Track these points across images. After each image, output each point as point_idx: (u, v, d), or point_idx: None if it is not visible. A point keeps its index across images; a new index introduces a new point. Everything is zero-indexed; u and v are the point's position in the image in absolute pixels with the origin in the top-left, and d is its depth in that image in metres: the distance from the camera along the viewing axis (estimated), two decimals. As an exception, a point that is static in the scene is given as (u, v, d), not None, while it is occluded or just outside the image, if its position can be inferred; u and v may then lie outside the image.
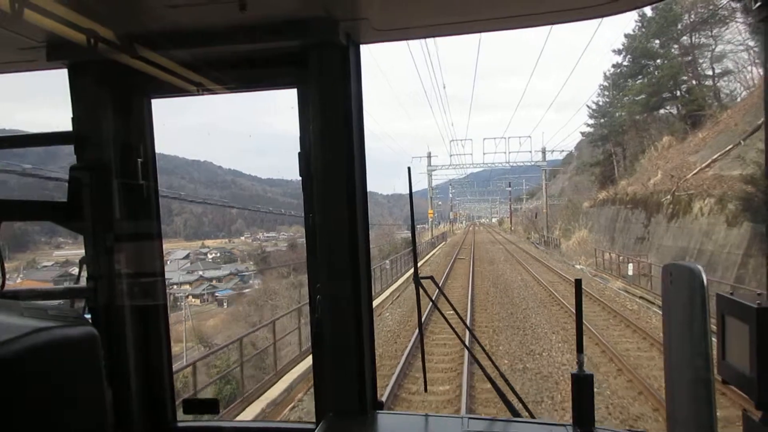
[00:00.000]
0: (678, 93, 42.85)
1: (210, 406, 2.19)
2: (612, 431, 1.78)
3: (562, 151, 57.96)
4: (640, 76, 47.35)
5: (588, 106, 58.00)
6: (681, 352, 1.43)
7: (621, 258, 30.21)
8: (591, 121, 57.32)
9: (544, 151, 57.41)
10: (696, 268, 1.36)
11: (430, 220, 60.45)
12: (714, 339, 1.35)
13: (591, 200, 52.45)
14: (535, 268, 31.72)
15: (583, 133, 57.87)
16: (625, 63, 48.53)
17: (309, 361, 12.47)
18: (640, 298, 20.61)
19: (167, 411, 2.15)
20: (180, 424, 2.16)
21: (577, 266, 34.13)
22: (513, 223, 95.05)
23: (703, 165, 27.41)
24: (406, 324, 16.47)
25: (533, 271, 29.34)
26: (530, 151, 55.28)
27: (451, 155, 56.19)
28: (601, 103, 57.08)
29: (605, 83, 56.45)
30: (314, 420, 1.99)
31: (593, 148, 59.26)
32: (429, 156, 58.30)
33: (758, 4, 1.18)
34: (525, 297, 21.17)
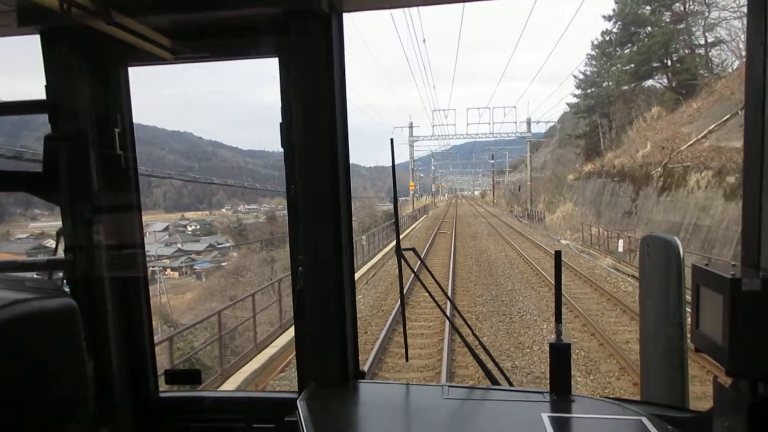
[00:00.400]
0: (669, 62, 41.10)
1: (192, 377, 2.16)
2: (588, 398, 1.74)
3: (548, 122, 55.91)
4: (629, 44, 45.48)
5: (575, 76, 56.15)
6: (656, 321, 1.49)
7: (609, 233, 28.83)
8: (578, 92, 55.52)
9: (529, 122, 55.29)
10: (673, 240, 1.42)
11: (411, 192, 58.48)
12: (689, 309, 1.39)
13: (576, 173, 51.06)
14: (519, 243, 30.20)
15: (569, 104, 56.03)
16: (614, 30, 46.51)
17: (261, 360, 10.80)
18: (632, 276, 19.15)
19: (149, 382, 2.12)
20: (162, 395, 2.14)
21: (563, 241, 32.73)
22: (495, 196, 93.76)
23: (699, 136, 25.86)
24: (379, 309, 14.75)
25: (518, 247, 27.81)
26: (515, 122, 53.12)
27: (433, 125, 53.93)
28: (588, 73, 55.22)
29: (593, 52, 54.60)
30: (297, 390, 1.98)
31: (578, 120, 57.65)
32: (411, 126, 55.84)
33: None
34: (510, 277, 19.58)
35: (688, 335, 1.37)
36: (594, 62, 54.61)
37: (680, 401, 1.48)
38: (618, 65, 45.95)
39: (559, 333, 1.73)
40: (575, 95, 55.90)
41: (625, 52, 45.04)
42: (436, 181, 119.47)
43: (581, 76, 56.24)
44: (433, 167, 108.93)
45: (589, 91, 55.40)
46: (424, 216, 61.59)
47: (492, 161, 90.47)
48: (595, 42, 53.73)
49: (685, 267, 1.41)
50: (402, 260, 1.92)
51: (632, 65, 43.43)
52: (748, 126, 1.33)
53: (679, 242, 1.40)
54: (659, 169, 27.52)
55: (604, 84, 53.53)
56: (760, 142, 1.28)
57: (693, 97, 34.00)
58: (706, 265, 1.31)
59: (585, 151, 53.02)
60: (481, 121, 52.66)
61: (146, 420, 2.10)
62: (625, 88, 45.76)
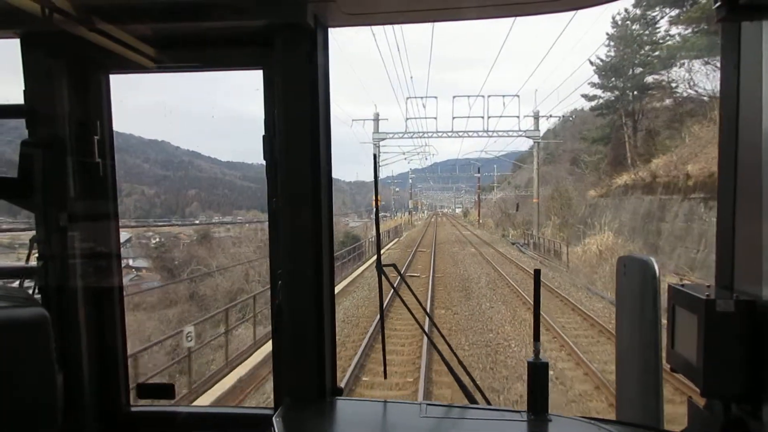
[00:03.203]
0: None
1: (165, 391, 2.09)
2: (565, 418, 1.67)
3: (562, 116, 40.59)
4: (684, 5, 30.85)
5: (591, 62, 41.32)
6: (632, 341, 1.45)
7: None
8: (596, 79, 40.62)
9: (537, 117, 39.75)
10: (649, 261, 1.38)
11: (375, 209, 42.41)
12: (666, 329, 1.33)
13: (601, 188, 35.94)
14: (558, 313, 14.57)
15: (585, 95, 40.99)
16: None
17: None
18: None
19: (121, 395, 2.02)
20: (134, 409, 2.04)
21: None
22: (481, 215, 78.38)
23: None
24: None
25: (564, 332, 12.14)
26: (518, 116, 37.72)
27: (407, 119, 37.95)
28: (611, 59, 40.60)
29: (614, 31, 40.12)
30: (273, 405, 1.91)
31: (596, 118, 42.87)
32: (377, 119, 38.72)
33: (717, 4, 1.16)
34: None
35: (664, 355, 1.36)
36: (615, 43, 40.27)
37: (655, 421, 1.45)
38: (675, 32, 31.14)
39: (537, 352, 1.63)
40: (594, 84, 41.01)
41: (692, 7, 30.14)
42: (414, 197, 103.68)
43: (599, 62, 41.68)
44: (410, 180, 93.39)
45: (611, 82, 40.90)
46: (395, 240, 45.75)
47: (478, 174, 75.26)
48: (618, 18, 39.50)
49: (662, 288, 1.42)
50: (382, 276, 1.86)
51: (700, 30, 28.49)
52: (721, 150, 1.31)
53: (655, 262, 1.37)
54: None
55: (630, 72, 39.19)
56: (733, 165, 1.26)
57: None
58: (682, 285, 1.29)
59: (610, 159, 38.04)
60: (471, 114, 37.06)
61: None
62: (685, 63, 30.82)
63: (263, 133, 1.80)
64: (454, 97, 35.23)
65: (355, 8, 1.72)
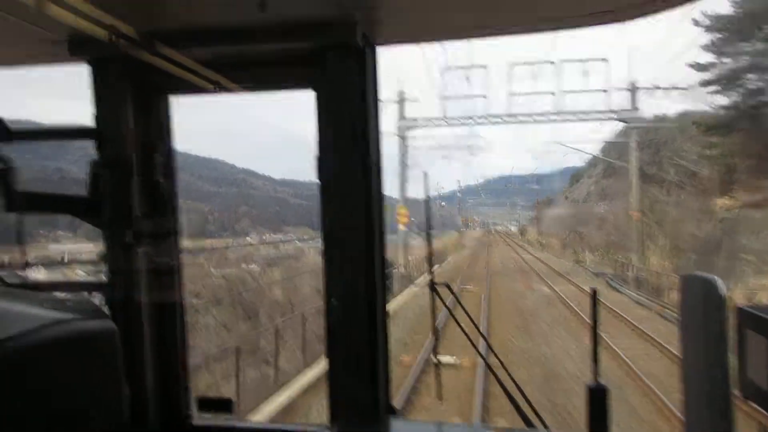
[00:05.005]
0: None
1: (224, 405, 2.03)
2: None
3: (674, 87, 26.78)
4: None
5: (696, 22, 28.18)
6: (698, 365, 1.35)
7: None
8: (708, 39, 27.38)
9: (633, 90, 25.07)
10: (715, 280, 1.28)
11: (402, 230, 27.00)
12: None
13: (744, 194, 22.73)
14: None
15: (692, 65, 27.63)
16: None
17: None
18: None
19: (182, 408, 2.00)
20: (195, 422, 2.01)
21: None
22: (542, 234, 64.59)
23: None
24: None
25: None
26: (605, 90, 24.69)
27: (443, 98, 24.72)
28: (732, 14, 27.44)
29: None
30: (327, 423, 1.89)
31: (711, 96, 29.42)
32: (401, 100, 25.22)
33: None
34: None
35: (735, 381, 1.25)
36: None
37: None
38: None
39: (596, 375, 1.56)
40: (707, 47, 27.72)
41: None
42: (463, 213, 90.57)
43: (707, 22, 28.52)
44: (458, 195, 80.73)
45: (732, 45, 27.66)
46: (436, 266, 33.62)
47: (537, 187, 61.95)
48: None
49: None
50: (435, 295, 1.82)
51: None
52: None
53: (721, 282, 1.23)
54: None
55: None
56: None
57: None
58: (752, 307, 1.21)
59: (753, 150, 24.52)
60: (537, 89, 24.75)
61: None
62: None
63: (316, 153, 1.78)
64: (513, 65, 22.99)
65: (404, 27, 1.71)
